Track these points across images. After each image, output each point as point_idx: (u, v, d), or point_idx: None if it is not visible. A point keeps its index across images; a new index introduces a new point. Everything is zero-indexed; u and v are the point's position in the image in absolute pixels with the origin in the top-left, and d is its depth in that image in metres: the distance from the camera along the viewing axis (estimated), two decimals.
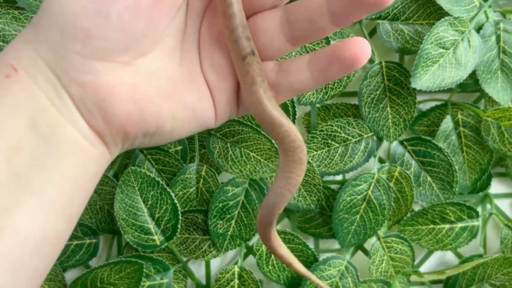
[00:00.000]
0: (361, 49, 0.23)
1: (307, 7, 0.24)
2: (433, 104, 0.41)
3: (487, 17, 0.38)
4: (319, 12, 0.24)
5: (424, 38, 0.36)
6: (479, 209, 0.42)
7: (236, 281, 0.40)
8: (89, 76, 0.23)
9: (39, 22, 0.23)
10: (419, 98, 0.41)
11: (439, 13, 0.38)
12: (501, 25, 0.38)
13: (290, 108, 0.38)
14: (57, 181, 0.23)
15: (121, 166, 0.40)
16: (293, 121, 0.39)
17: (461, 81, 0.37)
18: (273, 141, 0.38)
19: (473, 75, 0.38)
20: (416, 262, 0.43)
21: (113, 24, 0.22)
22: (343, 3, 0.23)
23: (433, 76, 0.36)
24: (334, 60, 0.24)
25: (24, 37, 0.23)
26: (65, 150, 0.23)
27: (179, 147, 0.40)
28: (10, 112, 0.22)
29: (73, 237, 0.39)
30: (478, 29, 0.38)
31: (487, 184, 0.41)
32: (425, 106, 0.41)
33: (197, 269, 0.42)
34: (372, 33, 0.39)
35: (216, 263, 0.43)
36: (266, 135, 0.38)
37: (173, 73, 0.26)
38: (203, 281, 0.42)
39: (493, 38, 0.38)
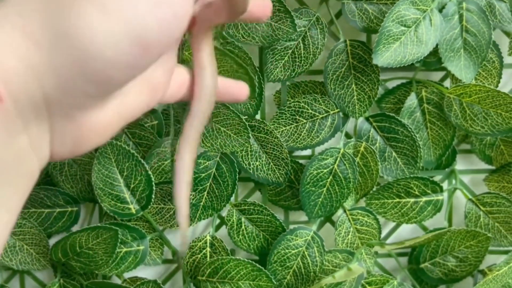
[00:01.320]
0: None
1: None
2: (398, 82, 0.42)
3: None
4: None
5: (386, 16, 0.37)
6: (445, 184, 0.43)
7: (208, 249, 0.42)
8: (81, 112, 0.21)
9: (51, 44, 0.19)
10: (385, 76, 0.42)
11: None
12: (464, 5, 0.39)
13: (257, 84, 0.40)
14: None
15: None
16: (261, 99, 0.40)
17: (422, 58, 0.38)
18: (241, 116, 0.40)
19: (437, 53, 0.40)
20: (383, 235, 0.45)
21: (137, 76, 0.21)
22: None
23: (394, 53, 0.38)
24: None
25: (20, 54, 0.19)
26: (22, 182, 0.21)
27: (155, 122, 0.42)
28: None
29: (55, 205, 0.42)
30: (441, 8, 0.39)
31: (452, 160, 0.43)
32: (391, 84, 0.43)
33: (174, 238, 0.45)
34: (338, 14, 0.41)
35: (191, 233, 0.45)
36: (236, 111, 0.40)
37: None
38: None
39: (456, 17, 0.39)
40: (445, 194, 0.43)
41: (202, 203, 0.42)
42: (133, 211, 0.41)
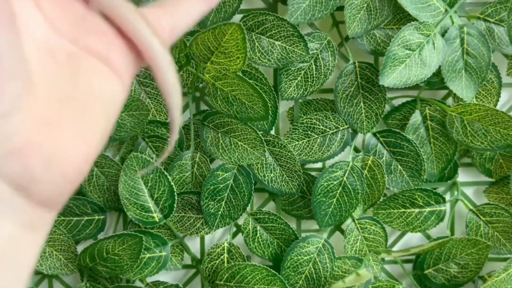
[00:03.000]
0: None
1: None
2: (404, 100, 0.46)
3: (452, 22, 0.43)
4: None
5: (391, 40, 0.40)
6: (448, 195, 0.46)
7: (226, 255, 0.45)
8: (19, 139, 0.18)
9: None
10: (392, 94, 0.46)
11: (408, 19, 0.42)
12: (465, 29, 0.42)
13: (270, 105, 0.43)
14: None
15: (126, 152, 0.46)
16: (275, 115, 0.43)
17: (426, 79, 0.41)
18: (257, 132, 0.43)
19: (440, 73, 0.43)
20: (390, 243, 0.47)
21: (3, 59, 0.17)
22: None
23: (399, 74, 0.41)
24: None
25: None
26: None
27: (177, 136, 0.45)
28: None
29: (83, 213, 0.45)
30: (444, 32, 0.43)
31: (454, 172, 0.46)
32: (397, 102, 0.46)
33: (193, 244, 0.48)
34: (348, 37, 0.44)
35: (210, 240, 0.48)
36: (252, 126, 0.43)
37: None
38: (198, 255, 0.47)
39: (458, 40, 0.42)
40: (448, 205, 0.46)
41: (220, 212, 0.45)
42: (156, 219, 0.44)
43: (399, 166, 0.45)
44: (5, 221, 0.19)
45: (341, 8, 0.42)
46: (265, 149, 0.44)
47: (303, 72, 0.43)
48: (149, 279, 0.46)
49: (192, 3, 0.24)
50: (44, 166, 0.19)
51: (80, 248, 0.46)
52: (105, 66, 0.21)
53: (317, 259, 0.45)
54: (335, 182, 0.44)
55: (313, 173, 0.46)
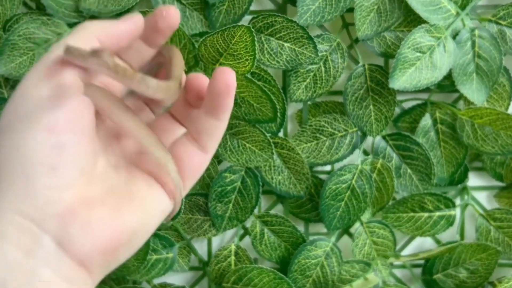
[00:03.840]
0: (228, 77, 0.27)
1: None
2: (414, 103, 0.45)
3: (464, 24, 0.42)
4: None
5: (401, 43, 0.40)
6: (458, 200, 0.46)
7: (233, 257, 0.45)
8: (63, 206, 0.24)
9: None
10: (402, 97, 0.45)
11: (419, 21, 0.42)
12: (476, 32, 0.42)
13: (278, 107, 0.43)
14: None
15: None
16: (283, 117, 0.43)
17: (436, 82, 0.41)
18: (265, 134, 0.43)
19: (451, 76, 0.42)
20: (398, 247, 0.47)
21: (69, 151, 0.24)
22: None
23: (410, 77, 0.40)
24: (215, 95, 0.27)
25: None
26: None
27: None
28: None
29: None
30: (455, 35, 0.42)
31: (464, 176, 0.45)
32: (407, 105, 0.45)
33: (201, 246, 0.48)
34: (358, 39, 0.44)
35: (217, 242, 0.48)
36: (260, 128, 0.43)
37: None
38: (205, 257, 0.47)
39: (469, 43, 0.42)
40: (458, 209, 0.45)
41: (227, 214, 0.45)
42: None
43: (409, 170, 0.44)
44: (46, 269, 0.23)
45: (351, 10, 0.42)
46: (273, 151, 0.43)
47: (312, 74, 0.43)
48: (156, 281, 0.46)
49: (213, 123, 0.29)
50: (79, 229, 0.24)
51: None
52: (156, 182, 0.28)
53: (324, 262, 0.44)
54: (343, 185, 0.44)
55: (321, 176, 0.46)
